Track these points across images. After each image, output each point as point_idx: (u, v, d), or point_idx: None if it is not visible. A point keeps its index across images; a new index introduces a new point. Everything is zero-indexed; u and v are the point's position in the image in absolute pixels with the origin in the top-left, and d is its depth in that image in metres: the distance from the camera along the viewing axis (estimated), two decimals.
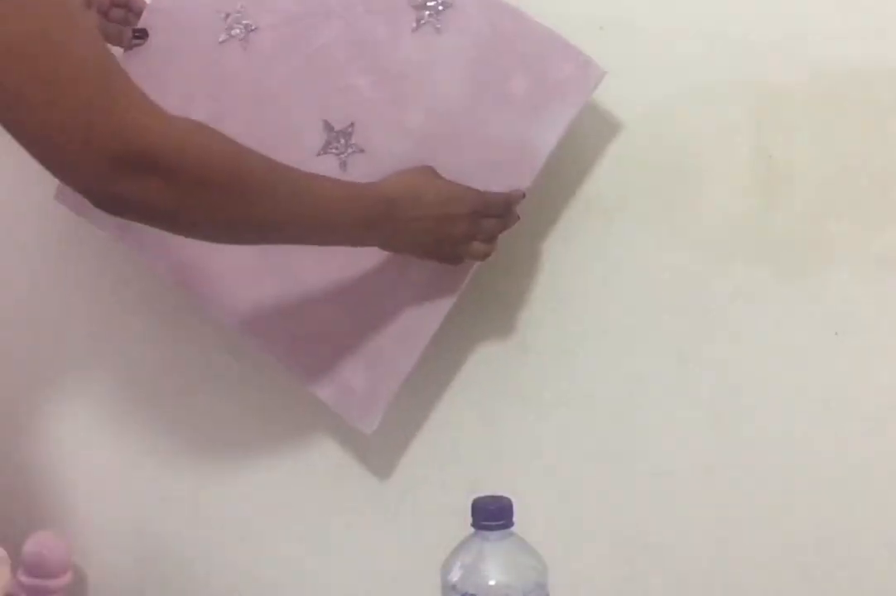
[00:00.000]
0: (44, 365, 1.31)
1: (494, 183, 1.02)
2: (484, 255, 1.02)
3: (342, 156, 1.06)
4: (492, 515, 0.89)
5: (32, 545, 1.17)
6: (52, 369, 1.31)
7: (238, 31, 1.08)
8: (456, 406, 1.14)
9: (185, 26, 1.10)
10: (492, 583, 0.87)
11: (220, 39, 1.09)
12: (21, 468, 1.32)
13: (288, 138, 1.07)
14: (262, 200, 0.81)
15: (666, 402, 1.06)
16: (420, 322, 1.06)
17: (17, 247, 1.29)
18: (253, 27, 1.08)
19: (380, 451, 1.17)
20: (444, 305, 1.05)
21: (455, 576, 0.88)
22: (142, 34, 1.11)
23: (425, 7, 1.03)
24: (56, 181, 0.77)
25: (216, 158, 0.77)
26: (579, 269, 1.08)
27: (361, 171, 1.05)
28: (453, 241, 1.00)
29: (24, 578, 1.18)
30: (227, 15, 1.08)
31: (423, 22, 1.03)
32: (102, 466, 1.29)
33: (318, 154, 1.07)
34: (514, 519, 0.89)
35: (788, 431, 1.03)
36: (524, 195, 1.01)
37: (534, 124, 1.01)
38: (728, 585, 1.06)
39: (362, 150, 1.06)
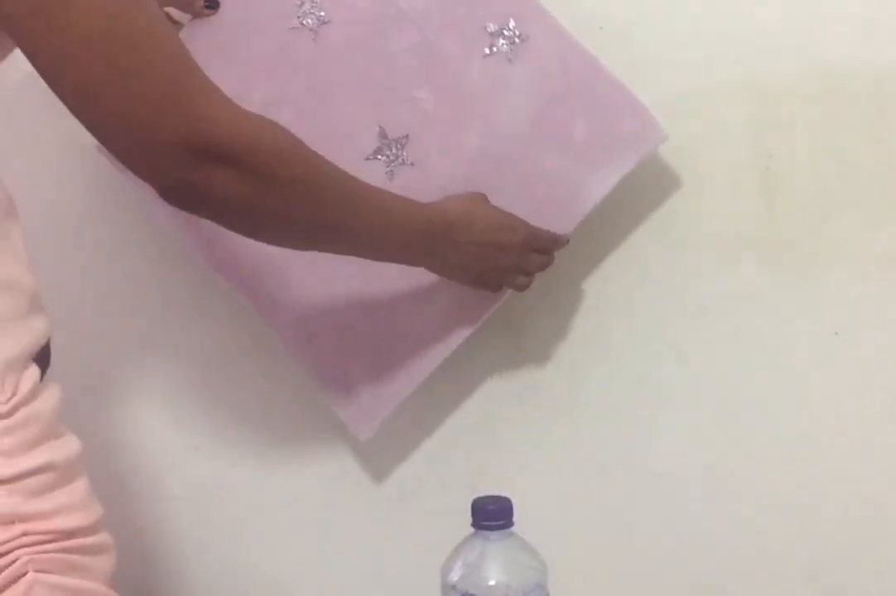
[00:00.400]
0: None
1: (536, 221, 1.01)
2: (523, 288, 1.02)
3: (391, 165, 1.05)
4: (492, 515, 0.88)
5: None
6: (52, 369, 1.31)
7: (310, 21, 1.07)
8: (456, 406, 1.14)
9: (257, 5, 1.09)
10: (492, 583, 0.87)
11: (291, 25, 1.07)
12: None
13: (340, 136, 1.06)
14: (329, 202, 0.81)
15: (666, 402, 1.06)
16: (436, 345, 1.07)
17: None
18: (326, 20, 1.06)
19: (380, 451, 1.17)
20: (462, 333, 1.06)
21: (455, 576, 0.88)
22: (213, 4, 1.10)
23: (502, 36, 1.02)
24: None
25: (289, 155, 0.77)
26: (578, 270, 1.08)
27: (407, 185, 1.04)
28: (500, 270, 0.99)
29: None
30: (303, 3, 1.07)
31: (496, 49, 1.02)
32: (102, 465, 1.29)
33: (368, 158, 1.06)
34: (514, 519, 0.89)
35: (788, 430, 1.03)
36: (568, 241, 1.02)
37: (588, 173, 1.01)
38: (728, 585, 1.06)
39: (412, 164, 1.05)
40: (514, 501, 0.90)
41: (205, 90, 0.72)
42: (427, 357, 1.07)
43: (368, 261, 0.96)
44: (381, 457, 1.17)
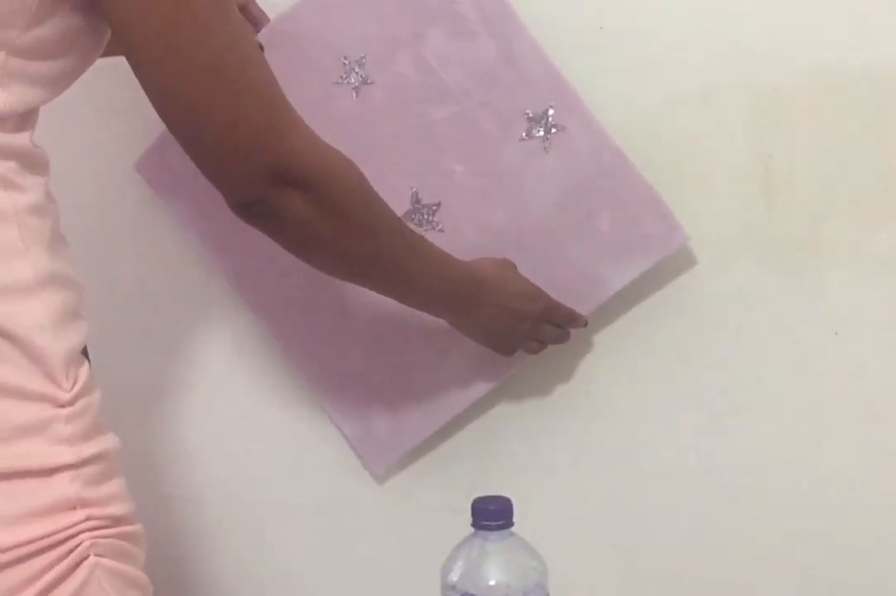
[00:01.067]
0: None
1: None
2: (536, 351, 1.06)
3: (421, 229, 1.08)
4: (492, 515, 0.89)
5: None
6: None
7: (354, 79, 1.09)
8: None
9: (302, 55, 1.11)
10: (492, 583, 0.87)
11: (334, 80, 1.10)
12: None
13: None
14: (382, 239, 0.89)
15: (666, 402, 1.06)
16: (454, 397, 1.10)
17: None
18: (369, 80, 1.09)
19: None
20: (481, 389, 1.09)
21: (455, 576, 0.88)
22: (259, 48, 1.12)
23: (539, 123, 1.04)
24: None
25: (356, 189, 0.86)
26: None
27: None
28: (514, 335, 1.04)
29: None
30: (348, 61, 1.09)
31: (532, 135, 1.04)
32: None
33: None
34: (514, 519, 0.89)
35: (788, 430, 1.03)
36: (586, 324, 1.05)
37: (609, 264, 1.04)
38: (728, 585, 1.06)
39: (442, 230, 1.08)
40: (514, 501, 0.90)
41: (294, 122, 0.81)
42: (444, 409, 1.11)
43: (394, 311, 1.02)
44: None
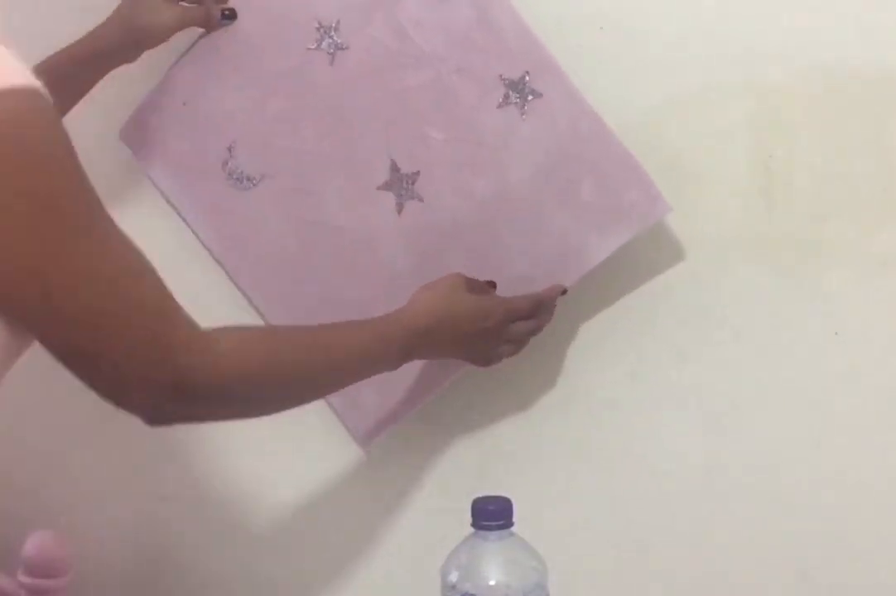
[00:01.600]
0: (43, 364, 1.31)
1: (535, 271, 1.04)
2: (512, 354, 1.04)
3: (401, 199, 1.07)
4: (492, 515, 0.89)
5: (32, 545, 1.17)
6: (50, 368, 1.31)
7: (328, 44, 1.08)
8: (456, 406, 1.14)
9: (276, 21, 1.11)
10: (492, 583, 0.87)
11: (309, 46, 1.09)
12: (21, 468, 1.32)
13: (353, 164, 1.09)
14: (305, 385, 0.90)
15: (666, 402, 1.06)
16: (441, 370, 1.09)
17: None
18: (344, 46, 1.08)
19: (380, 451, 1.17)
20: (456, 368, 1.08)
21: (455, 576, 0.88)
22: (231, 15, 1.12)
23: (515, 88, 1.03)
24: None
25: (263, 369, 0.84)
26: None
27: (415, 219, 1.07)
28: (486, 349, 1.03)
29: (24, 578, 1.18)
30: (321, 26, 1.08)
31: (509, 101, 1.03)
32: (103, 465, 1.29)
33: (379, 188, 1.09)
34: (514, 519, 0.89)
35: (788, 430, 1.03)
36: (566, 291, 1.04)
37: (592, 234, 1.02)
38: (727, 586, 1.06)
39: (422, 199, 1.07)
40: (514, 501, 0.90)
41: (184, 338, 0.79)
42: (434, 378, 1.10)
43: (383, 281, 1.04)
44: (381, 457, 1.17)
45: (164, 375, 0.78)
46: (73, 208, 0.74)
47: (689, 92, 1.03)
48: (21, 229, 0.72)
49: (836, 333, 1.00)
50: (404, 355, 0.96)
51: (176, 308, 0.80)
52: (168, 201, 1.20)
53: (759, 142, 1.01)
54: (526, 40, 1.03)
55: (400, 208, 1.08)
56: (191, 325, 0.80)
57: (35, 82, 0.73)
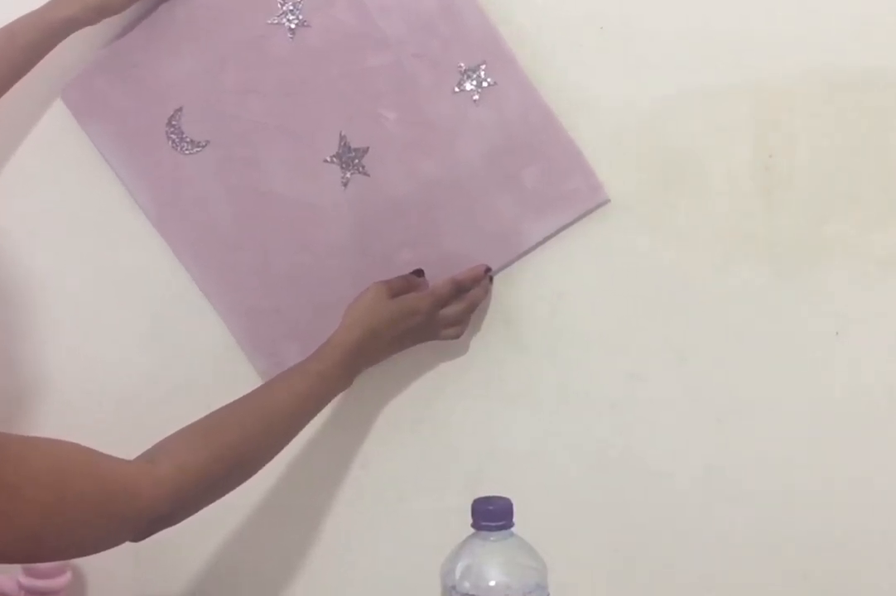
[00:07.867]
0: (43, 364, 1.31)
1: (470, 250, 1.08)
2: (456, 336, 1.10)
3: (347, 173, 1.10)
4: (492, 515, 0.89)
5: None
6: (52, 368, 1.31)
7: (289, 20, 1.10)
8: (456, 406, 1.14)
9: None
10: (492, 583, 0.87)
11: (270, 21, 1.11)
12: None
13: (302, 136, 1.12)
14: (258, 458, 0.99)
15: (666, 402, 1.06)
16: None
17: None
18: (306, 23, 1.10)
19: (380, 451, 1.17)
20: None
21: (455, 576, 0.88)
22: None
23: (470, 77, 1.06)
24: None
25: (216, 476, 0.93)
26: (579, 269, 1.08)
27: (359, 194, 1.11)
28: (422, 338, 1.09)
29: (23, 579, 1.18)
30: (285, 1, 1.10)
31: (464, 88, 1.07)
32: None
33: (326, 161, 1.11)
34: (514, 519, 0.89)
35: (788, 431, 1.03)
36: (489, 269, 1.08)
37: (530, 218, 1.07)
38: (727, 586, 1.06)
39: (368, 174, 1.10)
40: (514, 501, 0.90)
41: (132, 489, 0.85)
42: None
43: (317, 249, 1.09)
44: (381, 457, 1.17)
45: (139, 525, 0.87)
46: None
47: (689, 92, 1.03)
48: None
49: (837, 333, 1.01)
50: (350, 372, 1.03)
51: (110, 470, 0.85)
52: (109, 164, 1.21)
53: (759, 142, 1.01)
54: (485, 31, 1.06)
55: (346, 182, 1.11)
56: (129, 475, 0.86)
57: None
